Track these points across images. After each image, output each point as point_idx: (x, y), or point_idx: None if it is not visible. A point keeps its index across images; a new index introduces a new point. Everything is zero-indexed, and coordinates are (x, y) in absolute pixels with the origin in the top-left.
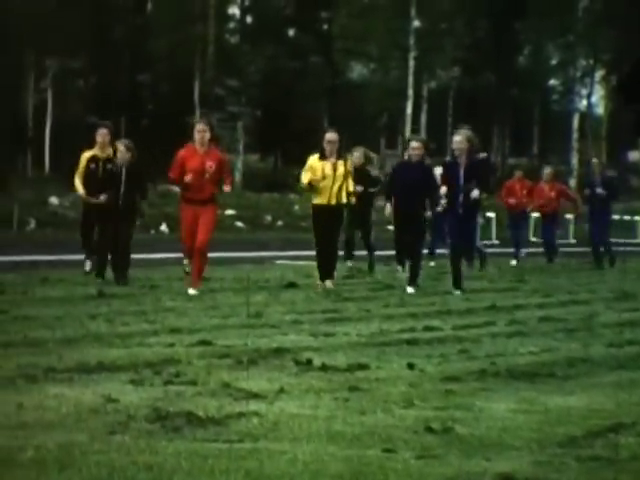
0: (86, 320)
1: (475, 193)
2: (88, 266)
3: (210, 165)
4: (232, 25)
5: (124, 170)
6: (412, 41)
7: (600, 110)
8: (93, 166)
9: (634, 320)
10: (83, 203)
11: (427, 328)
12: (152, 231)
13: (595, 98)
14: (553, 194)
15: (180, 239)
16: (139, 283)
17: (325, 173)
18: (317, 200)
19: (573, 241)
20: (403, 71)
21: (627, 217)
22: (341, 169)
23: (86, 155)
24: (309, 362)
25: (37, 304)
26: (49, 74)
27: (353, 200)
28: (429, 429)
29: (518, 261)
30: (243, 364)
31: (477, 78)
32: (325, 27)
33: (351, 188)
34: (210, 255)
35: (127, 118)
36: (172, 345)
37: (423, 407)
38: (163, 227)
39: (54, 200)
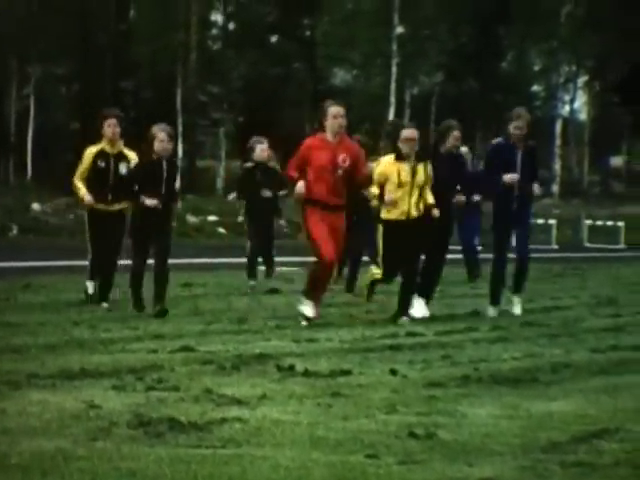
0: (69, 326)
1: (537, 187)
2: (91, 288)
3: (344, 159)
4: (215, 32)
5: (165, 165)
6: (395, 47)
7: (583, 116)
8: (102, 164)
9: (617, 326)
10: (89, 210)
11: (410, 334)
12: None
13: (578, 104)
14: None
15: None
16: (121, 289)
17: (402, 180)
18: (390, 214)
19: (555, 246)
20: (386, 77)
21: (610, 223)
22: (421, 174)
23: (92, 150)
24: (292, 368)
25: (20, 310)
26: (32, 80)
27: (436, 213)
28: (412, 435)
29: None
30: (226, 370)
31: (460, 84)
32: (308, 33)
33: (431, 199)
34: (193, 261)
35: None
36: (155, 351)
37: (406, 413)
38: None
39: (36, 206)
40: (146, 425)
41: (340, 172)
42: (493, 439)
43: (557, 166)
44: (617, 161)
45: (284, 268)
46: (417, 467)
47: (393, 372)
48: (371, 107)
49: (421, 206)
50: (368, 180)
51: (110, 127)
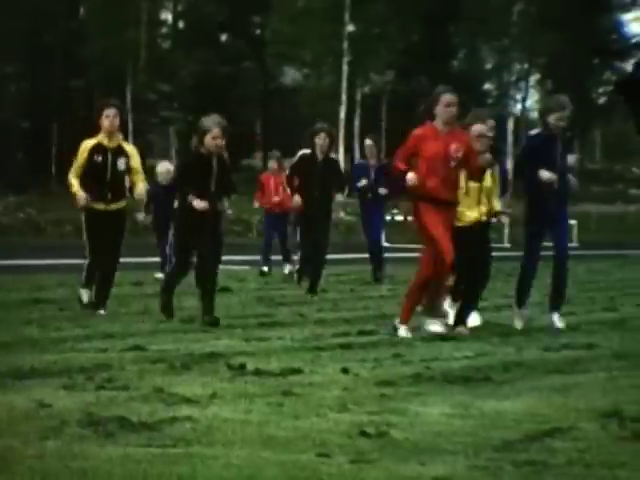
0: (19, 325)
1: (573, 182)
2: (86, 296)
3: (456, 149)
4: (164, 30)
5: (215, 162)
6: (346, 45)
7: (535, 114)
8: (99, 158)
9: (570, 324)
10: (85, 210)
11: (361, 332)
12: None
13: (530, 102)
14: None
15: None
16: (72, 288)
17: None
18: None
19: (508, 245)
20: (337, 76)
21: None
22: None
23: (88, 144)
24: (242, 367)
25: None
26: None
27: (505, 220)
28: (363, 433)
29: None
30: (176, 369)
31: (411, 82)
32: (258, 32)
33: (498, 206)
34: (143, 260)
35: (59, 123)
36: (105, 350)
37: (357, 411)
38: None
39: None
40: (96, 424)
41: (453, 163)
42: (445, 438)
43: (509, 165)
44: (571, 159)
45: (235, 267)
46: (369, 466)
47: (344, 371)
48: (322, 106)
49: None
50: (481, 172)
51: (108, 118)
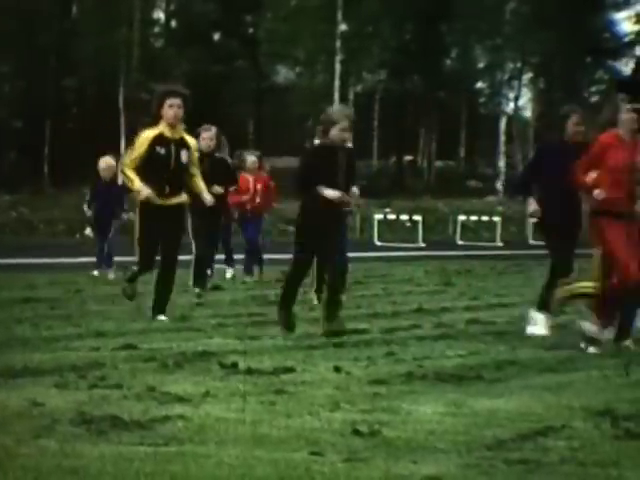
0: (11, 324)
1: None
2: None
3: None
4: (157, 29)
5: (340, 154)
6: (338, 44)
7: (527, 113)
8: (161, 150)
9: (562, 323)
10: (142, 206)
11: (354, 331)
12: (77, 235)
13: (522, 101)
14: (259, 187)
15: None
16: (64, 287)
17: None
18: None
19: (500, 244)
20: (329, 74)
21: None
22: None
23: (149, 135)
24: (235, 365)
25: None
26: None
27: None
28: (356, 432)
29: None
30: (168, 367)
31: (404, 81)
32: (251, 31)
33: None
34: (132, 259)
35: (52, 122)
36: (97, 349)
37: (350, 410)
38: (88, 231)
39: None
40: (89, 423)
41: (639, 175)
42: (438, 437)
43: (501, 163)
44: None
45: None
46: (361, 465)
47: (337, 369)
48: (314, 104)
49: None
50: None
51: (172, 108)
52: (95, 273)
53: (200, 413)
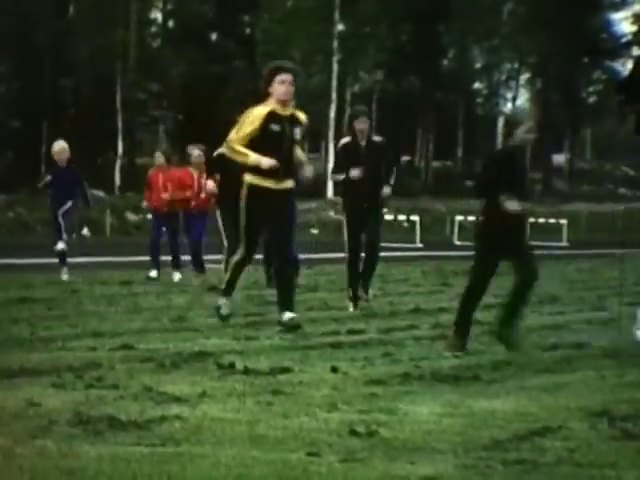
0: (7, 324)
1: None
2: (227, 308)
3: None
4: (154, 29)
5: (523, 157)
6: (336, 44)
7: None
8: (276, 127)
9: (559, 323)
10: (248, 189)
11: (351, 331)
12: (73, 235)
13: (520, 101)
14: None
15: None
16: (61, 287)
17: None
18: None
19: None
20: (327, 75)
21: (552, 220)
22: None
23: (261, 111)
24: (232, 366)
25: None
26: None
27: None
28: (353, 432)
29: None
30: (165, 368)
31: (401, 81)
32: (248, 31)
33: None
34: (132, 259)
35: (49, 122)
36: (94, 349)
37: (347, 410)
38: (85, 231)
39: None
40: (86, 423)
41: None
42: (435, 437)
43: None
44: (559, 159)
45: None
46: (358, 465)
47: (334, 370)
48: (312, 105)
49: None
50: None
51: (284, 85)
52: (62, 247)
53: (197, 413)
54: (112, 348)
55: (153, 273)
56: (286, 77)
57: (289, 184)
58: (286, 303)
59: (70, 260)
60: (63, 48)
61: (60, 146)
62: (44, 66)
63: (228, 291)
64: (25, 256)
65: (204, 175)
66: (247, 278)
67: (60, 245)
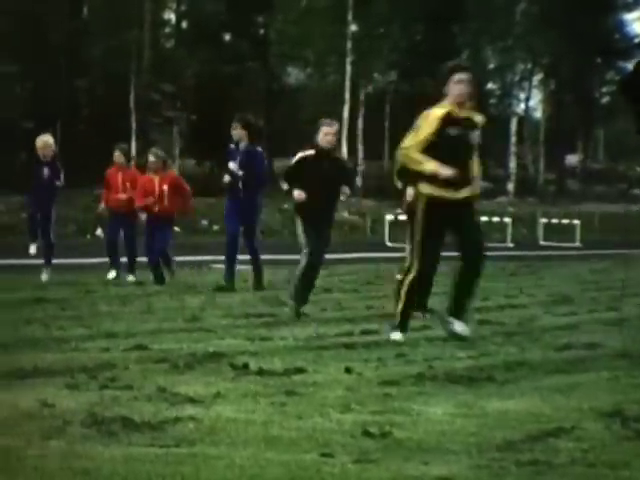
0: (22, 325)
1: None
2: (398, 336)
3: None
4: (168, 30)
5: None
6: (349, 45)
7: (538, 114)
8: (453, 131)
9: (572, 324)
10: (426, 201)
11: (364, 332)
12: (88, 235)
13: (533, 102)
14: (165, 187)
15: None
16: (74, 288)
17: None
18: None
19: (511, 245)
20: (340, 75)
21: (565, 221)
22: None
23: (437, 113)
24: (246, 366)
25: None
26: None
27: None
28: (367, 433)
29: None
30: (179, 368)
31: (414, 82)
32: (261, 32)
33: None
34: (143, 260)
35: (63, 123)
36: (108, 350)
37: (361, 411)
38: (99, 232)
39: None
40: (100, 424)
41: None
42: (448, 438)
43: (512, 164)
44: (572, 159)
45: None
46: (372, 466)
47: (348, 370)
48: (325, 105)
49: None
50: None
51: (461, 84)
52: (32, 250)
53: (211, 414)
54: (126, 349)
55: (112, 274)
56: (463, 76)
57: (469, 192)
58: (460, 312)
59: (85, 261)
60: (77, 48)
61: (43, 141)
62: (58, 66)
63: (404, 324)
64: (38, 257)
65: (166, 180)
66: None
67: (32, 249)
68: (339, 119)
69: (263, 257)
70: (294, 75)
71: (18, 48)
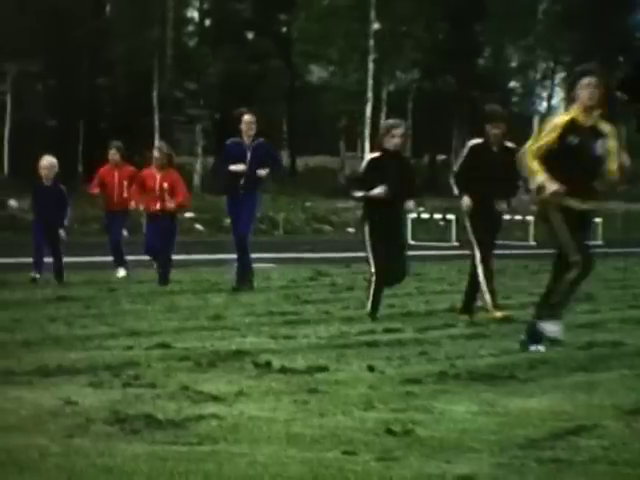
0: (45, 323)
1: None
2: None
3: None
4: (191, 28)
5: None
6: (371, 43)
7: (560, 112)
8: (574, 140)
9: (594, 322)
10: (558, 210)
11: (387, 330)
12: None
13: (555, 100)
14: (166, 185)
15: None
16: (98, 286)
17: None
18: None
19: (533, 243)
20: (363, 73)
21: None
22: None
23: (561, 120)
24: (268, 364)
25: None
26: (8, 77)
27: None
28: (389, 431)
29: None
30: (202, 367)
31: (437, 80)
32: (284, 30)
33: None
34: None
35: (85, 121)
36: (131, 348)
37: (383, 409)
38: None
39: (13, 203)
40: (123, 422)
41: None
42: (470, 436)
43: None
44: None
45: (261, 265)
46: (394, 464)
47: (370, 368)
48: (348, 104)
49: None
50: None
51: (589, 88)
52: (37, 276)
53: (234, 412)
54: (149, 347)
55: (121, 272)
56: (591, 80)
57: (592, 205)
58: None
59: (108, 259)
60: (100, 47)
61: (49, 161)
62: (81, 65)
63: (556, 311)
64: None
65: (167, 178)
66: (284, 277)
67: (36, 275)
68: (361, 117)
69: (285, 255)
70: (317, 73)
71: (41, 46)
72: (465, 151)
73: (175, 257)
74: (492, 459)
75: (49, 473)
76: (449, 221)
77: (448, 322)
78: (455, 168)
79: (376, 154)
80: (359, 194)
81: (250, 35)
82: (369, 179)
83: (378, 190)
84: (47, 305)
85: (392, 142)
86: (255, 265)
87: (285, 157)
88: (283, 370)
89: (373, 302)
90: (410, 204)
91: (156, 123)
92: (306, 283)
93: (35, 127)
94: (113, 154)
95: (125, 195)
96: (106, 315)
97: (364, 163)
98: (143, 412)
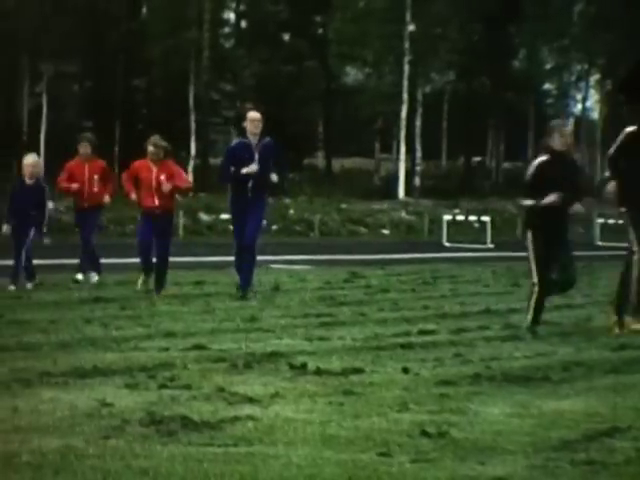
0: (81, 324)
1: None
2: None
3: None
4: (227, 30)
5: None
6: (407, 45)
7: (595, 115)
8: None
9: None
10: None
11: (422, 332)
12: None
13: (590, 102)
14: (163, 178)
15: None
16: (134, 287)
17: None
18: None
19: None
20: (398, 75)
21: (622, 221)
22: None
23: None
24: (304, 366)
25: (32, 308)
26: (44, 78)
27: None
28: (424, 433)
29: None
30: (238, 368)
31: (472, 82)
32: (320, 31)
33: None
34: (205, 259)
35: (121, 122)
36: (167, 349)
37: (418, 411)
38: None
39: (49, 204)
40: (158, 423)
41: None
42: (504, 437)
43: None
44: None
45: (297, 266)
46: (429, 465)
47: (405, 370)
48: (383, 105)
49: None
50: None
51: None
52: (11, 288)
53: (269, 414)
54: (185, 348)
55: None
56: None
57: None
58: None
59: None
60: (136, 48)
61: (34, 159)
62: (117, 66)
63: None
64: (98, 256)
65: (163, 170)
66: (319, 279)
67: (29, 286)
68: (396, 119)
69: (321, 257)
70: (352, 75)
71: (77, 48)
72: (621, 137)
73: (210, 258)
74: (526, 461)
75: (84, 475)
76: (484, 223)
77: (483, 324)
78: (611, 151)
79: (544, 157)
80: (528, 202)
81: (286, 37)
82: (537, 184)
83: (551, 198)
84: (83, 306)
85: (561, 142)
86: (290, 267)
87: (321, 159)
88: (318, 372)
89: (534, 314)
90: (578, 207)
91: (192, 124)
92: (341, 285)
93: (71, 128)
94: (85, 147)
95: (96, 190)
96: (142, 316)
97: (532, 168)
98: (179, 414)
